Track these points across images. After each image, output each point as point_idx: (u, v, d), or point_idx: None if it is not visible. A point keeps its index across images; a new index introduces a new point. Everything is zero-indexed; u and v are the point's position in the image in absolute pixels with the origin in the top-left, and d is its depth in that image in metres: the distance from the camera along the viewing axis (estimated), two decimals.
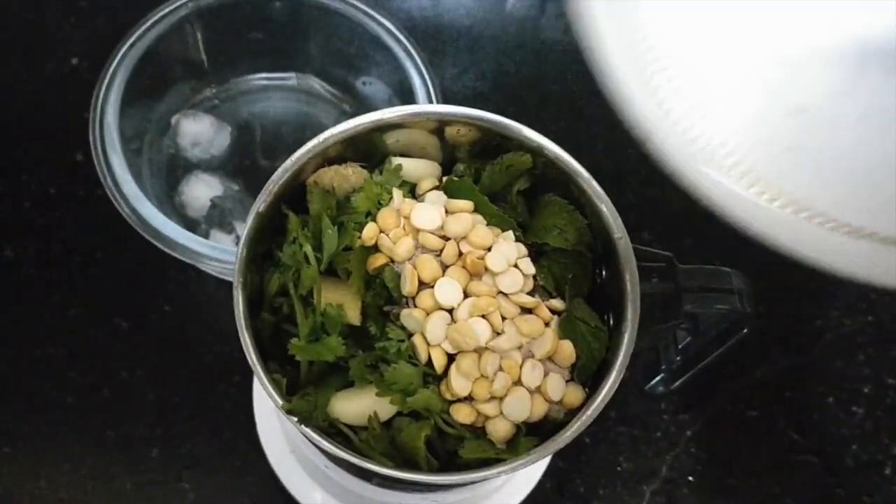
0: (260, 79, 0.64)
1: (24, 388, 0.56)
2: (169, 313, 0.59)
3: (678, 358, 0.48)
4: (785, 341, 0.62)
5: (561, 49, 0.71)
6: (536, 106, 0.69)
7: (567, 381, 0.39)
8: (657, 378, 0.50)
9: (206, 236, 0.58)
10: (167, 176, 0.61)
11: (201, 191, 0.59)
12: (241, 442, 0.55)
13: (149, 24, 0.57)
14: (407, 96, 0.58)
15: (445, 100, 0.60)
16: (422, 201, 0.41)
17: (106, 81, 0.56)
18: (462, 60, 0.70)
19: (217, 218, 0.58)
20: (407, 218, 0.40)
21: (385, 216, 0.40)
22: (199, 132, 0.61)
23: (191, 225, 0.59)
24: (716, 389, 0.60)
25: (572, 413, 0.38)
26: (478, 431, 0.38)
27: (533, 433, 0.38)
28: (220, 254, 0.52)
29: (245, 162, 0.62)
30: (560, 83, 0.70)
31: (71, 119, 0.63)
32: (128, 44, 0.56)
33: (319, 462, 0.49)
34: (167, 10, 0.57)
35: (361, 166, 0.42)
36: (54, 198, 0.62)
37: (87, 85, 0.65)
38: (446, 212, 0.40)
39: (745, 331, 0.43)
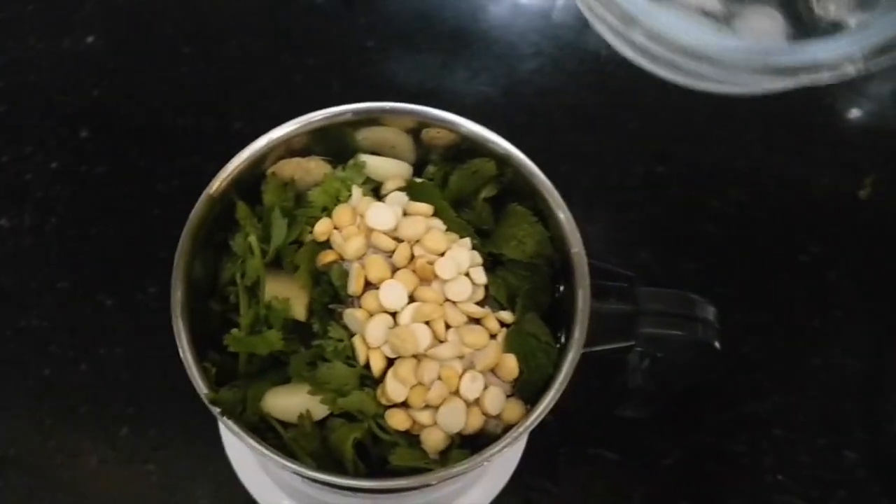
0: None
1: (3, 358, 0.57)
2: (153, 294, 0.59)
3: (643, 383, 0.46)
4: (779, 377, 0.60)
5: (578, 59, 0.69)
6: (547, 115, 0.68)
7: (508, 396, 0.38)
8: (627, 402, 0.49)
9: None
10: None
11: None
12: (209, 430, 0.55)
13: None
14: None
15: (454, 104, 0.59)
16: (383, 201, 0.40)
17: None
18: (475, 64, 0.69)
19: None
20: (362, 216, 0.39)
21: (340, 213, 0.39)
22: None
23: None
24: (701, 420, 0.58)
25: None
26: (412, 439, 0.37)
27: (470, 447, 0.37)
28: None
29: None
30: (575, 94, 0.68)
31: (81, 96, 0.64)
32: None
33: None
34: None
35: (326, 161, 0.42)
36: (56, 172, 0.62)
37: (101, 64, 0.66)
38: (404, 213, 0.40)
39: (709, 363, 0.41)
